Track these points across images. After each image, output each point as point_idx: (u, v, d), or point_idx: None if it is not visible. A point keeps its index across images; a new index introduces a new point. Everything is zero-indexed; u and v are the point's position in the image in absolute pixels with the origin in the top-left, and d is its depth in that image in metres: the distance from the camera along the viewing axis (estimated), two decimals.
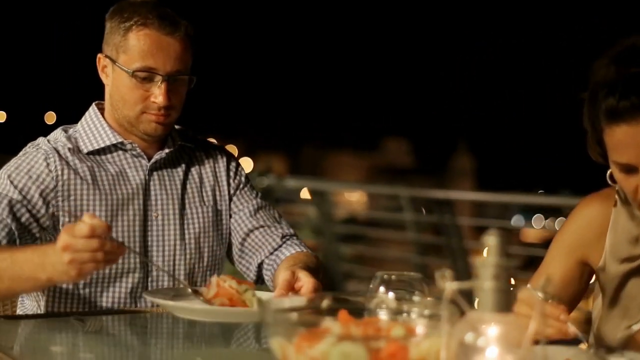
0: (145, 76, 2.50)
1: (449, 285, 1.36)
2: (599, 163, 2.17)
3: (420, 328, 1.53)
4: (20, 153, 2.58)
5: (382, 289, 1.86)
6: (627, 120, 1.96)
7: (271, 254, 2.68)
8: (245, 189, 2.78)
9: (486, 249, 1.34)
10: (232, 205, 2.74)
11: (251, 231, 2.71)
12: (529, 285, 2.00)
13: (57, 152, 2.55)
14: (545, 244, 9.40)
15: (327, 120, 31.67)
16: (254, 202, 2.76)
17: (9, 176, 2.48)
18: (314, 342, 1.44)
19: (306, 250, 2.70)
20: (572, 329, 1.95)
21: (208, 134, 2.85)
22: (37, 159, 2.53)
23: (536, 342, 1.31)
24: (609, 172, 2.15)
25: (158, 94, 2.50)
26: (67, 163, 2.54)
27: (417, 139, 32.06)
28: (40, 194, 2.49)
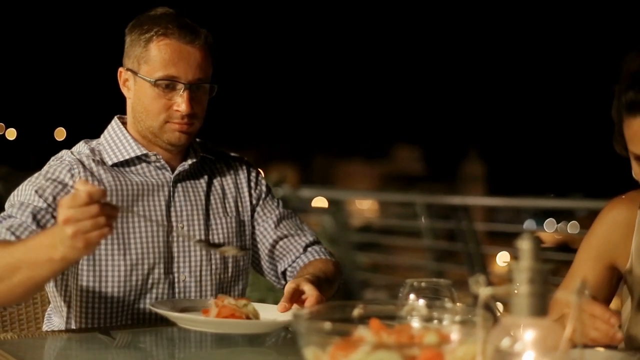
0: (168, 85, 2.51)
1: (483, 291, 1.36)
2: (623, 156, 2.19)
3: (454, 334, 1.53)
4: (45, 167, 2.59)
5: (412, 296, 1.86)
6: None
7: (293, 262, 2.72)
8: (267, 198, 2.80)
9: (520, 252, 1.33)
10: (256, 216, 2.76)
11: (277, 241, 2.75)
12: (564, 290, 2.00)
13: (82, 163, 2.56)
14: (559, 247, 9.39)
15: (338, 129, 31.71)
16: (277, 211, 2.79)
17: (33, 187, 2.49)
18: (349, 351, 1.44)
19: (326, 256, 2.73)
20: (620, 335, 1.94)
21: (219, 145, 2.86)
22: (61, 169, 2.53)
23: (574, 345, 1.31)
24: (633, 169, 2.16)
25: (181, 102, 2.51)
26: (92, 174, 2.55)
27: (428, 146, 32.06)
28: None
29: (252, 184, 2.80)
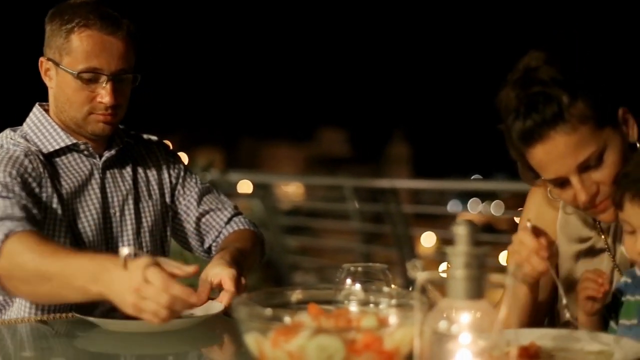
0: (90, 77, 2.50)
1: (420, 275, 1.39)
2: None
3: (392, 318, 1.57)
4: None
5: (348, 280, 1.89)
6: (538, 139, 2.02)
7: (217, 236, 2.78)
8: (186, 176, 2.84)
9: (455, 237, 1.37)
10: (177, 195, 2.80)
11: (200, 217, 2.79)
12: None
13: (30, 151, 2.54)
14: (483, 228, 9.53)
15: (263, 112, 31.65)
16: (197, 188, 2.82)
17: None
18: (291, 336, 1.47)
19: (247, 227, 2.79)
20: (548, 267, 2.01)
21: (142, 130, 2.86)
22: (17, 153, 2.50)
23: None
24: (549, 190, 2.22)
25: (104, 94, 2.50)
26: (40, 162, 2.53)
27: (353, 128, 32.19)
28: (34, 179, 2.47)
29: (170, 164, 2.82)
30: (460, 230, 1.36)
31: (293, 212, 9.23)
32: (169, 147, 2.90)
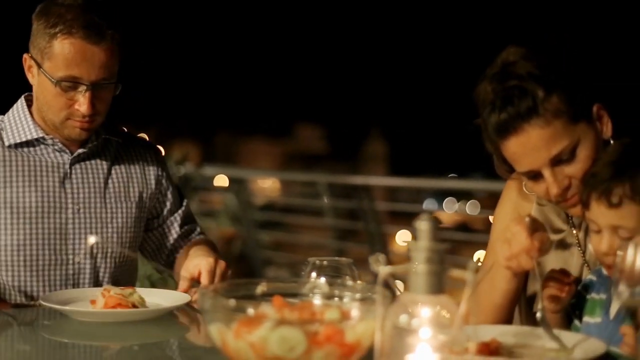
0: (70, 85, 2.48)
1: (383, 269, 1.41)
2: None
3: (354, 311, 1.58)
4: None
5: (313, 274, 1.91)
6: (512, 132, 2.06)
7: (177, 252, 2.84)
8: (173, 191, 2.86)
9: (418, 232, 1.39)
10: (161, 208, 2.82)
11: (180, 238, 2.83)
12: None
13: None
14: (458, 227, 9.57)
15: (239, 107, 31.59)
16: (182, 208, 2.86)
17: None
18: (253, 327, 1.48)
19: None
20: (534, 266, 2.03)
21: (118, 123, 2.86)
22: None
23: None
24: (524, 183, 2.26)
25: (82, 103, 2.49)
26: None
27: (330, 125, 32.20)
28: None
29: (160, 174, 2.82)
30: (422, 226, 1.38)
31: (267, 207, 9.23)
32: (163, 156, 2.91)
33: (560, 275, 2.03)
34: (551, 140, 2.04)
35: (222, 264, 2.40)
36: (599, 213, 1.92)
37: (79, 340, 2.09)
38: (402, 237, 9.46)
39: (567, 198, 2.10)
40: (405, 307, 1.37)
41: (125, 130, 2.84)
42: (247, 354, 1.50)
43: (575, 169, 2.07)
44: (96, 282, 2.61)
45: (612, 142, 2.12)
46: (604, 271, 2.04)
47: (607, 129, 2.13)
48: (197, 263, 2.38)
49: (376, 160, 31.33)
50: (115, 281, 2.63)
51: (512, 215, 2.34)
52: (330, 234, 8.10)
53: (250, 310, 1.57)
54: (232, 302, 1.56)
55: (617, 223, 1.89)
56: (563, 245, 2.25)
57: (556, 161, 2.07)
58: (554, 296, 2.02)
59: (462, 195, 12.49)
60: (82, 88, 2.48)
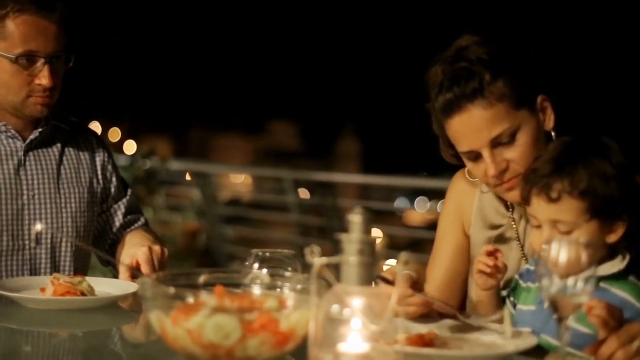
0: (29, 59, 2.54)
1: (317, 261, 1.45)
2: (454, 164, 2.36)
3: (289, 301, 1.63)
4: None
5: (256, 265, 1.95)
6: (456, 111, 2.13)
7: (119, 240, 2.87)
8: (117, 180, 2.91)
9: (350, 225, 1.43)
10: (109, 196, 2.86)
11: (122, 227, 2.88)
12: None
13: None
14: (429, 226, 9.63)
15: (214, 102, 31.54)
16: (127, 197, 2.91)
17: None
18: (190, 314, 1.53)
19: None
20: (438, 304, 2.08)
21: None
22: None
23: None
24: (465, 169, 2.32)
25: (43, 76, 2.55)
26: None
27: (304, 122, 32.21)
28: None
29: (106, 162, 2.87)
30: (354, 218, 1.42)
31: (233, 202, 9.27)
32: (106, 144, 2.96)
33: (488, 252, 2.08)
34: (492, 121, 2.11)
35: (157, 250, 2.45)
36: (539, 208, 1.97)
37: (28, 327, 2.12)
38: (373, 235, 9.52)
39: (504, 181, 2.17)
40: (337, 297, 1.41)
41: (73, 119, 2.88)
42: (185, 340, 1.54)
43: (513, 152, 2.14)
44: (54, 269, 2.65)
45: (553, 134, 2.19)
46: None
47: (550, 121, 2.20)
48: (132, 253, 2.44)
49: (349, 157, 31.38)
50: (75, 268, 2.68)
51: (454, 215, 2.43)
52: (296, 229, 8.15)
53: (188, 298, 1.61)
54: (171, 290, 1.61)
55: (556, 217, 1.94)
56: (503, 239, 2.31)
57: (496, 143, 2.13)
58: (483, 272, 2.07)
59: (434, 194, 12.55)
60: (40, 62, 2.54)
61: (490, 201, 2.36)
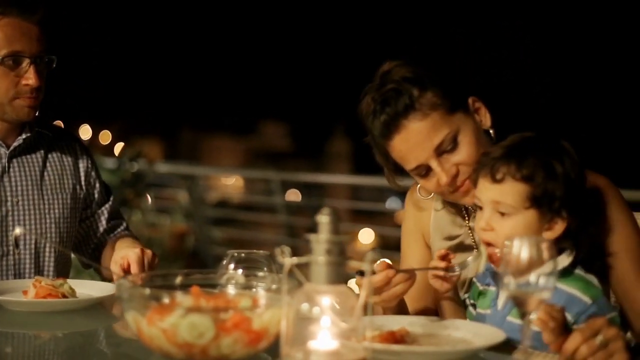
0: (14, 60, 2.58)
1: (287, 261, 1.50)
2: (403, 191, 2.40)
3: (261, 300, 1.68)
4: None
5: (232, 266, 1.99)
6: (394, 131, 2.17)
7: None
8: (100, 185, 2.94)
9: (319, 226, 1.47)
10: (93, 201, 2.90)
11: (105, 232, 2.91)
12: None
13: None
14: None
15: (205, 104, 31.53)
16: (109, 204, 2.94)
17: None
18: (165, 314, 1.57)
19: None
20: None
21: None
22: None
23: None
24: (418, 187, 2.37)
25: (29, 77, 2.59)
26: None
27: (294, 122, 32.22)
28: None
29: (89, 169, 2.90)
30: (322, 219, 1.46)
31: (222, 204, 9.30)
32: (87, 147, 2.99)
33: (440, 256, 2.12)
34: (431, 130, 2.15)
35: (148, 253, 2.49)
36: (483, 188, 2.02)
37: (11, 329, 2.15)
38: (365, 235, 9.55)
39: (458, 186, 2.21)
40: (307, 296, 1.45)
41: (57, 124, 2.93)
42: (160, 340, 1.59)
43: (459, 155, 2.18)
44: (38, 273, 2.69)
45: (492, 131, 2.25)
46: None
47: (486, 120, 2.25)
48: (124, 254, 2.47)
49: (340, 157, 31.39)
50: (58, 272, 2.72)
51: (414, 228, 2.47)
52: (284, 230, 8.18)
53: (163, 299, 1.66)
54: (146, 290, 1.65)
55: (498, 199, 1.98)
56: (461, 248, 2.34)
57: (440, 151, 2.17)
58: (438, 276, 2.11)
59: None
60: (26, 62, 2.59)
61: (445, 214, 2.40)
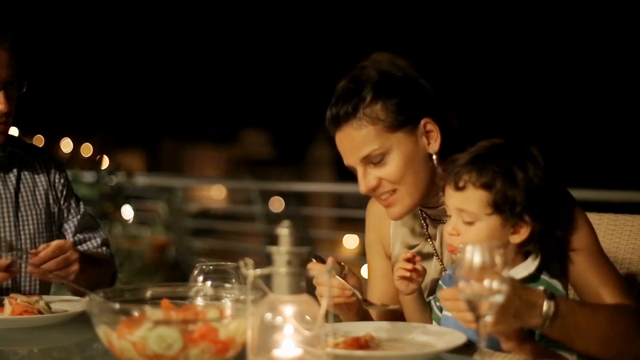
0: None
1: (251, 272, 1.55)
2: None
3: (227, 311, 1.73)
4: None
5: (201, 278, 2.05)
6: (337, 128, 2.24)
7: None
8: (72, 196, 2.99)
9: (279, 238, 1.53)
10: (65, 215, 2.94)
11: (75, 244, 2.91)
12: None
13: None
14: None
15: (186, 114, 31.53)
16: (79, 214, 2.98)
17: None
18: (134, 328, 1.62)
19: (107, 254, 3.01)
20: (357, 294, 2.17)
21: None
22: None
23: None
24: None
25: None
26: None
27: (276, 130, 32.25)
28: None
29: (62, 181, 2.96)
30: (282, 232, 1.52)
31: (202, 214, 9.32)
32: (61, 163, 3.04)
33: (406, 259, 2.17)
34: (362, 142, 2.20)
35: (74, 255, 2.55)
36: (449, 195, 2.08)
37: None
38: (349, 242, 9.60)
39: (380, 198, 2.27)
40: (270, 306, 1.51)
41: (27, 141, 2.97)
42: (130, 352, 1.64)
43: (382, 172, 2.23)
44: (15, 289, 2.73)
45: (435, 157, 2.24)
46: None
47: (435, 144, 2.24)
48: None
49: (323, 164, 31.42)
50: (40, 287, 2.78)
51: (375, 239, 2.52)
52: (264, 240, 8.22)
53: (132, 313, 1.71)
54: (116, 305, 1.70)
55: (461, 206, 2.04)
56: (421, 256, 2.34)
57: (367, 162, 2.23)
58: (403, 277, 2.16)
59: None
60: None
61: (404, 223, 2.44)
